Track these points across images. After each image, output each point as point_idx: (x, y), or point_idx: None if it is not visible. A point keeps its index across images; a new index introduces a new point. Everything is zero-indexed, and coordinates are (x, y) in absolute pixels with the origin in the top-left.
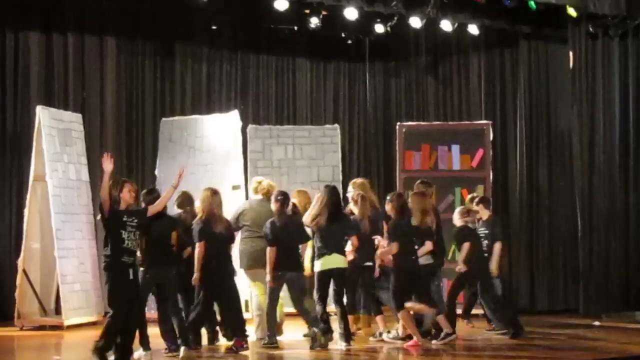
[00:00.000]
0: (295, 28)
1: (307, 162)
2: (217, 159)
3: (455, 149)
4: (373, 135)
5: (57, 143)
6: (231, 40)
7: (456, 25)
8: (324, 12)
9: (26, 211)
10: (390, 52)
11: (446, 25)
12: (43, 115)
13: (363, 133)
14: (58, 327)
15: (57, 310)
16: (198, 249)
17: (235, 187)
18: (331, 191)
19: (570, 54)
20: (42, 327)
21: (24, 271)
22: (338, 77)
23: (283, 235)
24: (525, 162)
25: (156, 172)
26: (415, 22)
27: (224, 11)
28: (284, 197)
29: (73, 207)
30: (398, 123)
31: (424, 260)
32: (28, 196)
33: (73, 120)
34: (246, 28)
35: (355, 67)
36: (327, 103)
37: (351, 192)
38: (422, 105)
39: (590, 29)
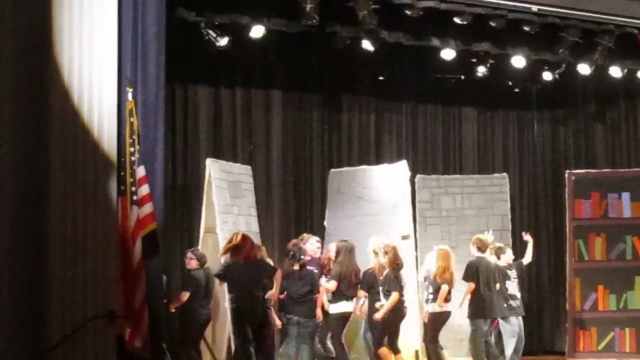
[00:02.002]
0: (462, 77)
1: (476, 211)
2: (385, 209)
3: (626, 196)
4: (542, 184)
5: (227, 195)
6: (398, 91)
7: (625, 71)
8: (490, 61)
9: None
10: (558, 99)
11: (615, 71)
12: (213, 167)
13: (532, 181)
14: None
15: None
16: None
17: (404, 237)
18: (347, 246)
19: None
20: None
21: None
22: (506, 126)
23: (287, 285)
24: None
25: (325, 223)
26: (584, 69)
27: (390, 61)
28: (293, 252)
29: None
30: (567, 171)
31: (438, 308)
32: (199, 248)
33: (242, 172)
34: (413, 78)
35: (523, 115)
36: (495, 152)
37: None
38: (591, 152)
39: None
